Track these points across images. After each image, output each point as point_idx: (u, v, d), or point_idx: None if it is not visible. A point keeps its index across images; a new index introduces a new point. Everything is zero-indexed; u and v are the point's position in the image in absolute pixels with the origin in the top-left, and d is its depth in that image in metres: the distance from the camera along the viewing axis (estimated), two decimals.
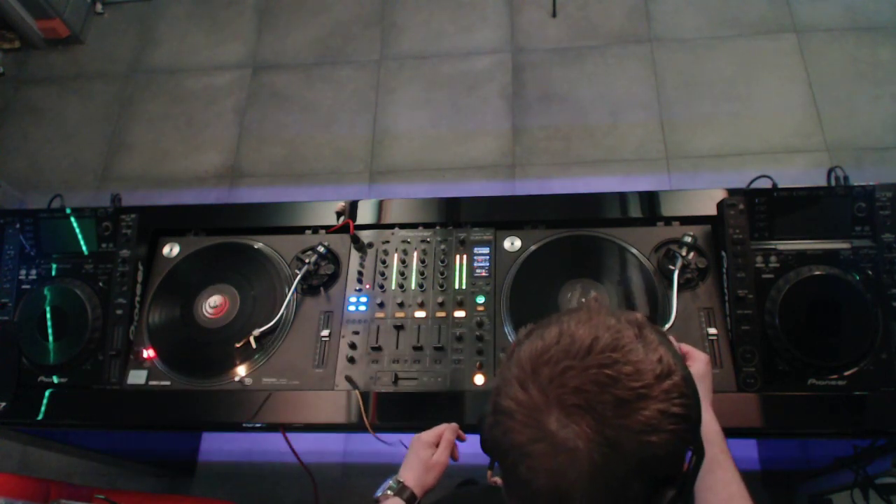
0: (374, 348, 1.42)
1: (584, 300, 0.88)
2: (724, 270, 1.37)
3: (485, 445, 0.80)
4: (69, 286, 1.54)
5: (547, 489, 0.65)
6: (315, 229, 1.60)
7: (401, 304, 1.48)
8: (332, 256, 1.54)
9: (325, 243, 1.52)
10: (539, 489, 0.66)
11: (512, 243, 1.51)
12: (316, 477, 1.77)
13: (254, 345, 1.44)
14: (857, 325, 1.29)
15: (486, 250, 1.51)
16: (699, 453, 0.71)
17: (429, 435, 1.22)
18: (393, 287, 1.50)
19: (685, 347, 1.10)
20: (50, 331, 1.52)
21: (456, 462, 1.23)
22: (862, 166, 2.63)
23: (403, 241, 1.54)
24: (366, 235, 1.56)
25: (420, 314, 1.46)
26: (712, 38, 3.01)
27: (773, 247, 1.37)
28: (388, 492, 1.14)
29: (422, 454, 1.19)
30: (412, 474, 1.17)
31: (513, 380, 0.68)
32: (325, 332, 1.46)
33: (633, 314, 0.72)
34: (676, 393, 0.66)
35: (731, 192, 1.43)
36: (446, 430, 1.22)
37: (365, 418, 1.34)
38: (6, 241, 1.62)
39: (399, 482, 1.14)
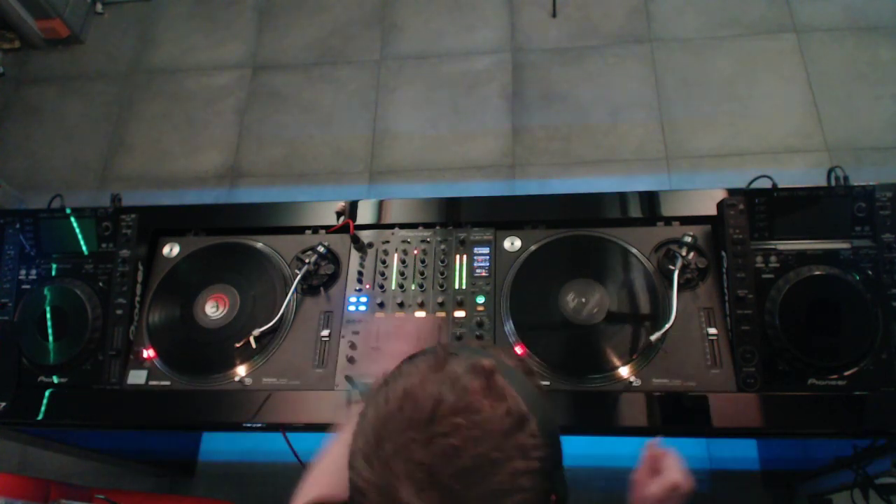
0: (374, 348, 1.42)
1: (439, 342, 0.83)
2: (724, 270, 1.37)
3: None
4: (69, 286, 1.54)
5: None
6: (315, 229, 1.60)
7: (401, 304, 1.48)
8: (332, 256, 1.54)
9: (325, 243, 1.52)
10: None
11: (512, 243, 1.51)
12: None
13: (254, 345, 1.44)
14: (857, 325, 1.29)
15: (486, 250, 1.51)
16: (561, 495, 0.68)
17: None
18: (393, 287, 1.50)
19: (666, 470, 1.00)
20: (50, 331, 1.52)
21: None
22: (862, 166, 2.63)
23: (403, 241, 1.54)
24: (366, 235, 1.56)
25: (420, 314, 1.46)
26: (712, 38, 3.01)
27: (773, 247, 1.37)
28: (359, 390, 1.12)
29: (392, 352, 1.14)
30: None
31: (359, 454, 0.66)
32: (325, 332, 1.46)
33: (482, 360, 0.67)
34: (531, 444, 0.63)
35: (731, 192, 1.43)
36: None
37: None
38: (6, 241, 1.62)
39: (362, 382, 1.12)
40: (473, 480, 0.61)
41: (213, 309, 1.51)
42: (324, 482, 1.07)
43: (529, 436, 0.64)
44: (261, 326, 1.44)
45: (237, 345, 1.44)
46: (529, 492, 0.63)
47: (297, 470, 1.62)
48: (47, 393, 1.49)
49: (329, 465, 1.09)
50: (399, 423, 0.63)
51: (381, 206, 1.60)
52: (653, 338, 1.30)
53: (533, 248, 1.50)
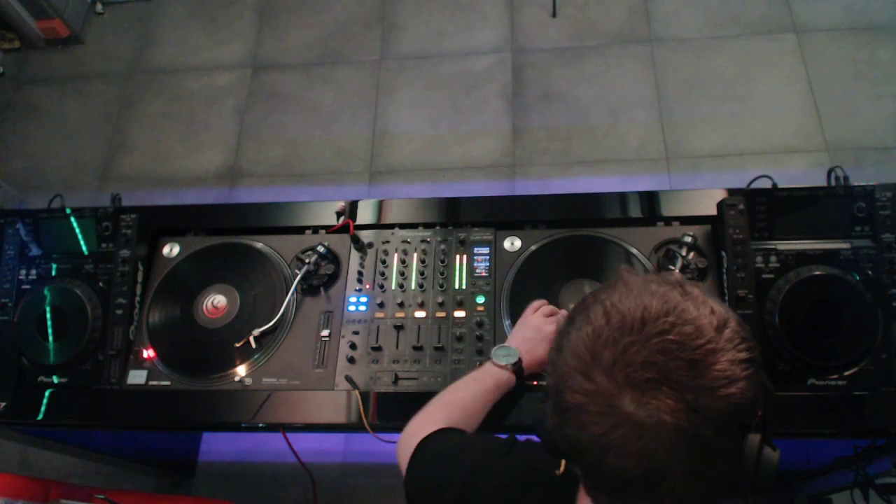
0: (374, 348, 1.42)
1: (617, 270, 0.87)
2: (724, 270, 1.37)
3: (553, 448, 0.76)
4: (69, 286, 1.54)
5: (639, 475, 0.63)
6: (315, 229, 1.60)
7: (401, 304, 1.48)
8: (332, 256, 1.54)
9: (325, 243, 1.52)
10: (631, 477, 0.64)
11: (512, 243, 1.51)
12: (316, 477, 1.78)
13: (254, 345, 1.44)
14: (857, 325, 1.29)
15: (486, 250, 1.51)
16: (768, 391, 0.69)
17: (546, 307, 1.30)
18: (393, 287, 1.50)
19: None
20: (50, 331, 1.52)
21: None
22: (862, 166, 2.63)
23: (403, 241, 1.54)
24: (366, 235, 1.56)
25: (420, 314, 1.46)
26: (712, 38, 3.01)
27: (773, 247, 1.37)
28: (504, 360, 1.19)
29: (545, 348, 1.20)
30: (526, 345, 1.23)
31: (573, 372, 0.66)
32: (325, 332, 1.46)
33: (670, 275, 0.72)
34: (738, 339, 0.66)
35: (731, 192, 1.43)
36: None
37: (364, 418, 1.34)
38: (6, 241, 1.62)
39: (520, 360, 1.20)
40: (699, 371, 0.62)
41: (214, 309, 1.51)
42: (453, 416, 1.13)
43: (735, 331, 0.66)
44: (261, 326, 1.44)
45: (237, 345, 1.44)
46: (748, 380, 0.64)
47: (297, 470, 1.62)
48: (47, 393, 1.49)
49: (460, 399, 1.17)
50: (612, 333, 0.65)
51: (381, 206, 1.60)
52: None
53: (533, 248, 1.50)
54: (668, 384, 0.62)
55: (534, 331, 1.26)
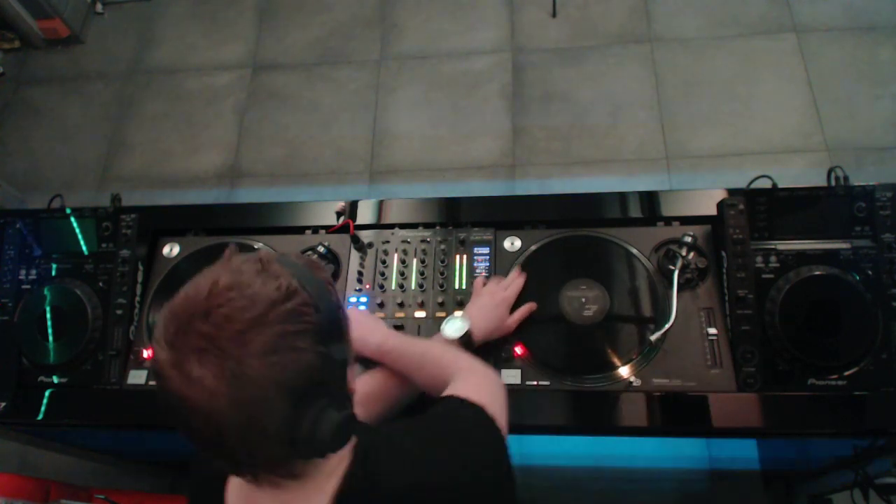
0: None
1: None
2: (724, 270, 1.37)
3: (161, 405, 0.80)
4: (69, 286, 1.54)
5: (205, 427, 0.71)
6: (315, 229, 1.60)
7: (401, 304, 1.48)
8: (332, 256, 1.53)
9: (325, 243, 1.52)
10: (198, 428, 0.71)
11: (512, 243, 1.51)
12: None
13: None
14: (857, 325, 1.29)
15: (486, 250, 1.51)
16: (330, 360, 0.75)
17: (511, 296, 1.36)
18: (393, 287, 1.50)
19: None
20: (50, 331, 1.52)
21: None
22: (862, 166, 2.63)
23: (403, 241, 1.54)
24: (366, 235, 1.56)
25: (420, 314, 1.46)
26: (712, 38, 3.01)
27: (773, 247, 1.37)
28: (454, 334, 1.25)
29: (501, 313, 1.33)
30: (483, 327, 1.29)
31: (156, 343, 0.73)
32: None
33: (264, 252, 0.79)
34: (301, 311, 0.72)
35: (731, 192, 1.43)
36: (528, 305, 1.37)
37: None
38: (6, 241, 1.62)
39: (469, 332, 1.26)
40: (242, 341, 0.69)
41: None
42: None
43: (300, 304, 0.73)
44: None
45: None
46: (306, 352, 0.72)
47: None
48: (47, 393, 1.49)
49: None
50: (183, 305, 0.72)
51: (381, 206, 1.60)
52: (653, 338, 1.30)
53: (533, 248, 1.50)
54: (215, 353, 0.69)
55: (488, 297, 1.34)
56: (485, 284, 1.40)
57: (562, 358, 1.36)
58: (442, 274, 1.49)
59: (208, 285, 0.72)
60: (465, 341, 1.25)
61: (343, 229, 1.57)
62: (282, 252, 0.85)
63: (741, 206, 1.37)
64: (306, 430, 0.73)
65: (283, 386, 0.70)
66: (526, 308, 1.37)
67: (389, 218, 1.58)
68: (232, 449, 0.72)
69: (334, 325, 0.78)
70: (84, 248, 1.60)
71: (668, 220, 1.49)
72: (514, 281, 1.40)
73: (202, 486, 0.96)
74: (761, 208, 1.38)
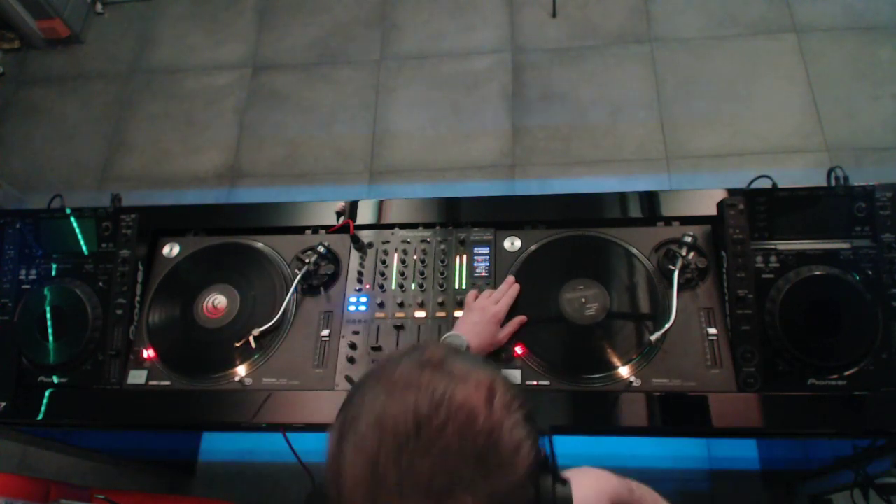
0: (374, 348, 1.42)
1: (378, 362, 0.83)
2: (724, 270, 1.37)
3: None
4: (69, 286, 1.54)
5: None
6: (315, 229, 1.60)
7: (401, 304, 1.48)
8: (332, 256, 1.54)
9: (325, 243, 1.52)
10: None
11: (512, 243, 1.51)
12: (316, 477, 1.77)
13: (253, 345, 1.44)
14: (857, 325, 1.29)
15: (486, 250, 1.51)
16: (541, 430, 0.70)
17: (502, 311, 1.35)
18: (393, 287, 1.50)
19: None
20: (50, 331, 1.52)
21: None
22: (862, 166, 2.63)
23: (403, 241, 1.54)
24: (366, 235, 1.56)
25: (420, 314, 1.46)
26: (712, 38, 3.01)
27: (773, 247, 1.37)
28: None
29: (493, 329, 1.33)
30: (476, 344, 1.28)
31: (360, 501, 0.62)
32: (325, 332, 1.46)
33: (433, 349, 0.68)
34: (509, 397, 0.65)
35: (731, 192, 1.43)
36: (518, 318, 1.37)
37: None
38: (6, 241, 1.62)
39: (463, 340, 1.25)
40: (485, 461, 0.61)
41: (214, 309, 1.51)
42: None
43: (504, 392, 0.65)
44: (261, 326, 1.44)
45: (237, 344, 1.44)
46: (529, 437, 0.65)
47: (297, 470, 1.62)
48: (47, 393, 1.49)
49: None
50: (390, 451, 0.60)
51: (381, 206, 1.60)
52: (653, 338, 1.30)
53: (533, 248, 1.50)
54: (461, 486, 0.60)
55: (479, 313, 1.33)
56: (476, 298, 1.39)
57: (562, 358, 1.36)
58: (442, 274, 1.49)
59: (410, 415, 0.62)
60: None
61: (343, 229, 1.57)
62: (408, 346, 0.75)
63: (741, 206, 1.37)
64: None
65: (528, 476, 0.65)
66: (516, 321, 1.37)
67: (389, 218, 1.58)
68: None
69: (525, 395, 0.71)
70: (84, 248, 1.60)
71: (668, 220, 1.49)
72: (506, 293, 1.39)
73: None
74: (761, 208, 1.38)
